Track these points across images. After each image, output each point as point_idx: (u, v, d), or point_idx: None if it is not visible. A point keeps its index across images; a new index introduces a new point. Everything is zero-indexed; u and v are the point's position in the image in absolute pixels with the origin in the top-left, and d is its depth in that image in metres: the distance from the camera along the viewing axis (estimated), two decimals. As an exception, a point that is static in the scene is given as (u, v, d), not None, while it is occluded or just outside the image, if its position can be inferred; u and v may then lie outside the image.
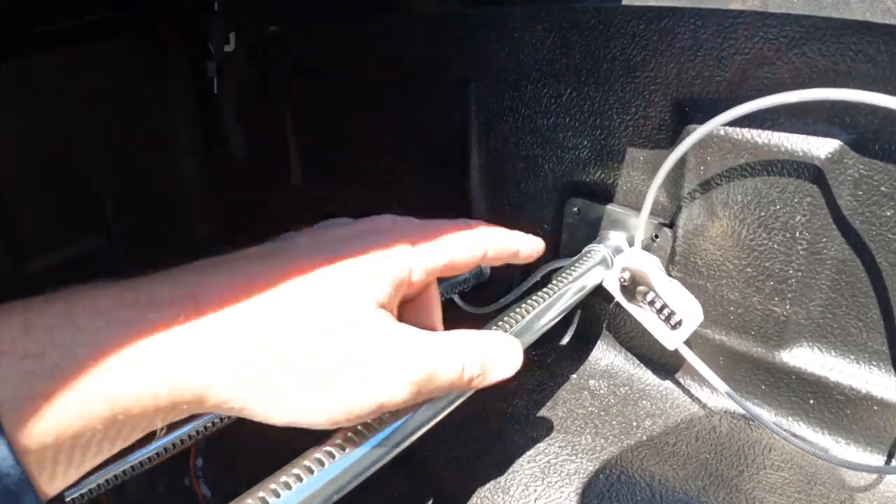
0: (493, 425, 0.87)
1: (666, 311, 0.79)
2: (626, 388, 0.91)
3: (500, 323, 0.66)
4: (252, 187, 1.37)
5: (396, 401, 0.48)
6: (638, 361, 0.94)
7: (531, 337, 0.69)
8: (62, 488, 0.40)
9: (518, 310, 0.69)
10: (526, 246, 0.63)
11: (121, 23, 1.18)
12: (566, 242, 0.93)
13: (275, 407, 0.45)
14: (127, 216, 1.27)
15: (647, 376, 0.92)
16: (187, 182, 1.36)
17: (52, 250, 1.20)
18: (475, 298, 1.03)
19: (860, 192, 0.69)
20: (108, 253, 1.27)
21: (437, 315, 0.58)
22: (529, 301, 0.71)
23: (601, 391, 0.91)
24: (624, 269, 0.81)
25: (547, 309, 0.72)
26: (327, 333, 0.45)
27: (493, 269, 1.01)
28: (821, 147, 0.69)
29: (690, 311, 0.78)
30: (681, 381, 0.90)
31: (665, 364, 0.91)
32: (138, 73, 1.24)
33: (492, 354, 0.55)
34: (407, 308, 0.56)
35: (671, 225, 0.82)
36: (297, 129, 1.25)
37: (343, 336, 0.46)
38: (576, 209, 0.90)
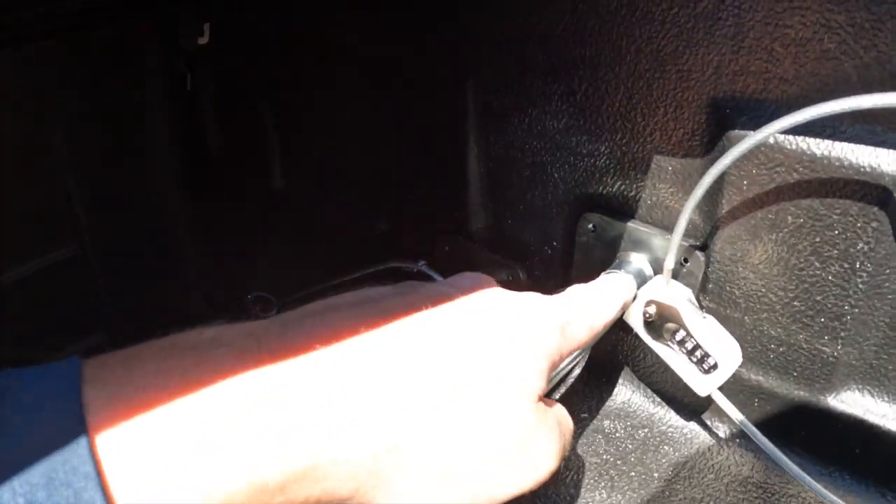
0: None
1: (699, 353, 0.69)
2: (646, 430, 0.82)
3: None
4: (232, 190, 1.31)
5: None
6: (659, 400, 0.83)
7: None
8: None
9: None
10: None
11: (89, 14, 1.10)
12: (579, 264, 0.83)
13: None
14: (101, 222, 1.21)
15: (669, 417, 0.82)
16: (165, 185, 1.30)
17: (20, 261, 1.14)
18: None
19: (936, 218, 0.59)
20: (81, 262, 1.21)
21: None
22: None
23: (618, 434, 0.82)
24: (649, 303, 0.70)
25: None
26: (486, 435, 0.46)
27: None
28: (892, 162, 0.58)
29: (728, 353, 0.68)
30: (708, 423, 0.80)
31: (690, 404, 0.81)
32: (110, 69, 1.17)
33: None
34: None
35: (704, 248, 0.72)
36: (278, 128, 1.18)
37: (502, 439, 0.47)
38: (591, 226, 0.79)
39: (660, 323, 0.70)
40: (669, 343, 0.70)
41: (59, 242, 1.17)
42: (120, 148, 1.21)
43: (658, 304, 0.69)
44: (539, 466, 0.49)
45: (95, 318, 1.23)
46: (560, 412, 0.54)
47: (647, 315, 0.70)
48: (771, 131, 0.57)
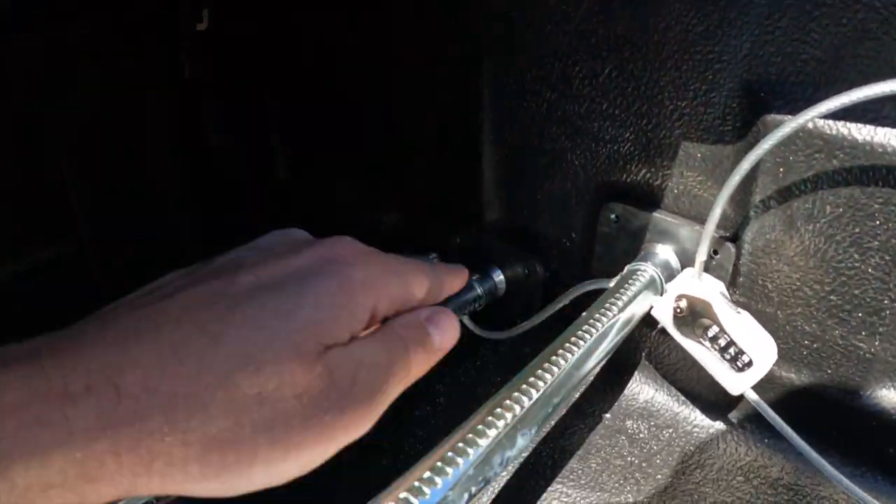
0: (513, 480, 0.75)
1: (732, 350, 0.64)
2: (671, 430, 0.78)
3: (531, 380, 0.54)
4: (234, 182, 1.28)
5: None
6: (683, 398, 0.80)
7: (570, 394, 0.57)
8: None
9: (552, 360, 0.56)
10: (462, 280, 0.63)
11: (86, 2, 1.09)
12: (600, 256, 0.78)
13: (205, 487, 0.41)
14: (99, 217, 1.19)
15: (694, 416, 0.78)
16: (164, 177, 1.28)
17: (16, 257, 1.13)
18: (487, 320, 0.89)
19: (984, 207, 0.55)
20: (79, 258, 1.20)
21: None
22: (571, 341, 0.58)
23: (641, 435, 0.78)
24: (680, 297, 0.66)
25: (591, 350, 0.59)
26: (264, 404, 0.41)
27: (508, 285, 0.88)
28: None
29: (763, 350, 0.64)
30: (734, 421, 0.77)
31: (716, 402, 0.77)
32: (107, 56, 1.15)
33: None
34: None
35: (734, 239, 0.68)
36: (283, 118, 1.14)
37: (281, 402, 0.42)
38: (614, 216, 0.75)
39: (691, 318, 0.66)
40: (701, 339, 0.66)
41: (55, 239, 1.16)
42: (117, 140, 1.19)
43: (689, 299, 0.66)
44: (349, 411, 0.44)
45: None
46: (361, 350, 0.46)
47: (678, 310, 0.66)
48: (811, 115, 0.54)
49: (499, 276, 0.87)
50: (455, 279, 0.60)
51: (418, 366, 0.50)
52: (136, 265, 1.22)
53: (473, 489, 0.46)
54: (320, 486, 0.83)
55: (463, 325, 0.87)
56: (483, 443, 0.48)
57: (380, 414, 0.46)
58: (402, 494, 0.44)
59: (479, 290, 0.84)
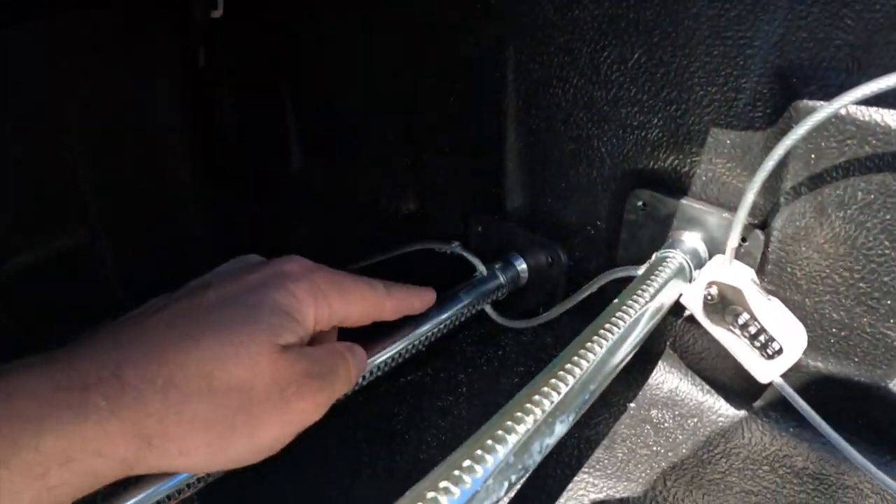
0: (539, 470, 0.73)
1: (762, 338, 0.64)
2: (696, 419, 0.77)
3: (567, 366, 0.53)
4: (247, 172, 1.28)
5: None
6: (708, 388, 0.79)
7: (605, 381, 0.56)
8: None
9: (588, 346, 0.55)
10: (423, 301, 0.71)
11: None
12: (626, 244, 0.78)
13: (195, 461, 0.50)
14: (111, 207, 1.20)
15: (719, 405, 0.78)
16: (178, 168, 1.28)
17: (29, 248, 1.13)
18: (510, 308, 0.88)
19: None
20: (92, 248, 1.20)
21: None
22: (605, 328, 0.58)
23: (666, 424, 0.77)
24: (711, 284, 0.65)
25: (624, 337, 0.59)
26: (232, 391, 0.51)
27: (530, 273, 0.87)
28: None
29: (793, 338, 0.64)
30: (759, 411, 0.76)
31: (741, 391, 0.77)
32: (119, 46, 1.15)
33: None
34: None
35: (764, 226, 0.67)
36: (297, 106, 1.14)
37: (246, 391, 0.51)
38: (641, 203, 0.74)
39: (721, 306, 0.66)
40: (731, 327, 0.66)
41: (68, 228, 1.17)
42: (130, 129, 1.20)
43: (720, 286, 0.65)
44: (294, 411, 0.54)
45: (106, 305, 1.20)
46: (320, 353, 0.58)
47: (709, 297, 0.66)
48: (845, 102, 0.53)
49: (521, 265, 0.87)
50: (413, 299, 0.69)
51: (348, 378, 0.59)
52: (148, 254, 1.24)
53: (513, 478, 0.46)
54: (343, 480, 0.83)
55: (485, 314, 0.87)
56: (521, 430, 0.47)
57: (328, 406, 0.56)
58: (443, 483, 0.43)
59: (501, 279, 0.84)
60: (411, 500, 0.42)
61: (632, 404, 0.79)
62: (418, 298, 0.70)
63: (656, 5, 0.66)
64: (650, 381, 0.81)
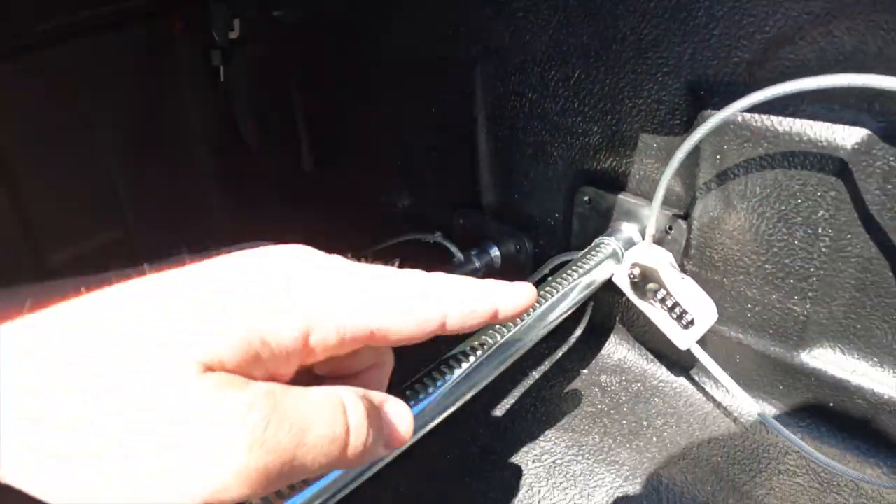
0: (499, 422, 0.83)
1: (678, 310, 0.74)
2: (639, 384, 0.87)
3: (497, 327, 0.62)
4: (266, 174, 1.34)
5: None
6: (651, 357, 0.89)
7: (539, 333, 0.65)
8: None
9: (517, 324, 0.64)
10: (509, 302, 0.45)
11: (126, 14, 1.15)
12: (577, 233, 0.88)
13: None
14: (143, 206, 1.24)
15: (660, 372, 0.88)
16: (202, 171, 1.34)
17: (71, 244, 1.18)
18: None
19: (889, 186, 0.63)
20: (126, 244, 1.25)
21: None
22: (540, 297, 0.68)
23: (612, 387, 0.87)
24: (634, 265, 0.76)
25: (555, 305, 0.68)
26: (135, 415, 0.33)
27: (503, 258, 0.98)
28: (847, 136, 0.63)
29: (704, 311, 0.74)
30: (696, 378, 0.86)
31: (679, 361, 0.87)
32: (148, 63, 1.21)
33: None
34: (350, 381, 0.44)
35: (686, 216, 0.77)
36: (307, 116, 1.22)
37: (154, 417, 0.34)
38: (586, 198, 0.85)
39: (643, 283, 0.75)
40: (652, 301, 0.75)
41: (105, 226, 1.21)
42: (159, 138, 1.24)
43: (642, 267, 0.75)
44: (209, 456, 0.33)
45: None
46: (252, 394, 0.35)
47: (632, 276, 0.76)
48: (733, 110, 0.63)
49: (495, 252, 0.98)
50: (507, 296, 0.46)
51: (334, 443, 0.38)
52: (177, 249, 1.28)
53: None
54: None
55: None
56: (457, 371, 0.55)
57: (276, 480, 0.35)
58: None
59: (476, 264, 0.95)
60: None
61: (584, 370, 0.89)
62: (500, 302, 0.44)
63: (590, 32, 0.77)
64: (602, 351, 0.91)
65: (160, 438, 0.33)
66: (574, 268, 0.74)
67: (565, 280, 0.71)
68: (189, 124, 1.28)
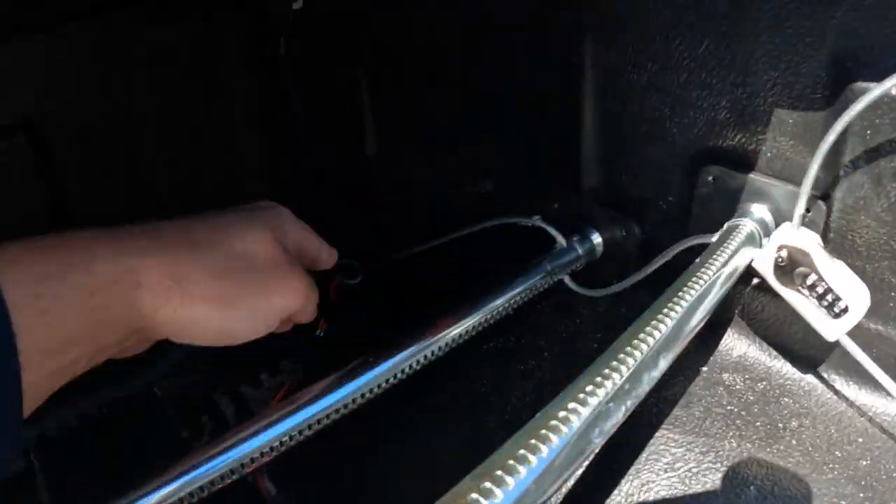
0: (621, 426, 0.83)
1: (829, 297, 0.75)
2: (765, 383, 0.88)
3: (648, 328, 0.64)
4: (321, 157, 1.36)
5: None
6: (775, 353, 0.90)
7: (683, 341, 0.66)
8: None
9: (667, 309, 0.66)
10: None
11: None
12: (697, 217, 0.90)
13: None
14: (186, 200, 1.26)
15: (786, 370, 0.89)
16: (250, 160, 1.35)
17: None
18: (588, 279, 1.00)
19: None
20: None
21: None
22: (679, 295, 0.69)
23: (737, 386, 0.88)
24: (781, 248, 0.77)
25: (699, 302, 0.69)
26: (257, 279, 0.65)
27: (605, 246, 0.99)
28: None
29: (857, 297, 0.74)
30: (824, 375, 0.87)
31: (807, 356, 0.87)
32: (199, 34, 1.22)
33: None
34: None
35: (826, 197, 0.78)
36: (374, 92, 1.23)
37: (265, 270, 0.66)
38: (711, 178, 0.86)
39: (790, 268, 0.77)
40: (799, 288, 0.76)
41: (145, 220, 1.17)
42: (203, 124, 1.26)
43: (789, 249, 0.76)
44: (286, 291, 0.67)
45: None
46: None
47: (779, 259, 0.77)
48: (894, 83, 0.64)
49: (597, 238, 0.99)
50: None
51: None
52: None
53: (597, 433, 0.57)
54: (430, 439, 0.93)
55: (562, 287, 0.98)
56: (602, 393, 0.57)
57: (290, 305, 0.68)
58: (570, 405, 0.54)
59: (579, 251, 0.96)
60: (497, 461, 0.50)
61: (704, 368, 0.89)
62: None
63: (720, 0, 0.78)
64: (720, 347, 0.92)
65: (271, 279, 0.66)
66: (714, 256, 0.75)
67: (706, 271, 0.73)
68: (238, 110, 1.30)
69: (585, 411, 0.56)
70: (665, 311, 0.66)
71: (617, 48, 0.89)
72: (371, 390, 0.75)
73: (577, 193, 1.01)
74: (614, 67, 0.90)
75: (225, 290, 0.61)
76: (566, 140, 0.98)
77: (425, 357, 0.79)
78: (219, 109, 1.27)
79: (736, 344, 0.92)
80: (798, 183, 0.75)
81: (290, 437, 0.71)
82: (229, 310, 0.62)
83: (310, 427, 0.72)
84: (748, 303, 0.91)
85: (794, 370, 0.88)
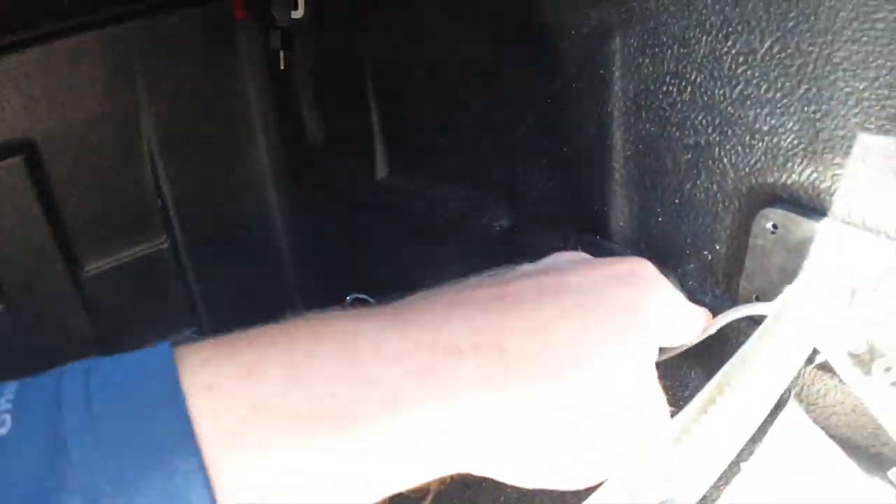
0: None
1: None
2: (823, 483, 0.68)
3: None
4: (332, 179, 1.26)
5: None
6: (836, 447, 0.69)
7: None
8: None
9: (699, 421, 0.48)
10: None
11: None
12: (750, 274, 0.68)
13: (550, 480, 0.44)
14: (192, 213, 1.24)
15: (849, 468, 0.68)
16: (258, 174, 1.31)
17: (110, 253, 1.19)
18: None
19: None
20: (170, 255, 1.25)
21: None
22: (717, 402, 0.49)
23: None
24: (857, 332, 0.55)
25: (744, 409, 0.50)
26: (621, 411, 0.45)
27: None
28: None
29: None
30: (892, 478, 0.66)
31: (878, 455, 0.67)
32: (201, 50, 1.18)
33: None
34: None
35: None
36: (383, 112, 1.11)
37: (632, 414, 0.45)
38: (771, 225, 0.64)
39: (870, 357, 0.55)
40: (880, 383, 0.55)
41: (148, 235, 1.21)
42: (212, 134, 1.22)
43: (868, 332, 0.55)
44: (656, 415, 0.47)
45: (185, 314, 1.26)
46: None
47: (855, 352, 0.56)
48: None
49: (625, 292, 0.77)
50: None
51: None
52: (228, 261, 1.28)
53: None
54: None
55: None
56: None
57: None
58: None
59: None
60: None
61: (744, 464, 0.71)
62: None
63: None
64: (766, 437, 0.71)
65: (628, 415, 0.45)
66: (772, 335, 0.53)
67: (761, 357, 0.51)
68: (246, 120, 1.25)
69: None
70: (702, 418, 0.48)
71: (652, 54, 0.69)
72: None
73: (605, 236, 0.82)
74: (649, 79, 0.70)
75: (570, 443, 0.44)
76: (592, 171, 0.80)
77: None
78: (228, 120, 1.24)
79: (790, 433, 0.71)
80: (890, 236, 0.55)
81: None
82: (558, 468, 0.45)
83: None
84: (809, 384, 0.69)
85: (861, 472, 0.67)
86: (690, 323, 0.54)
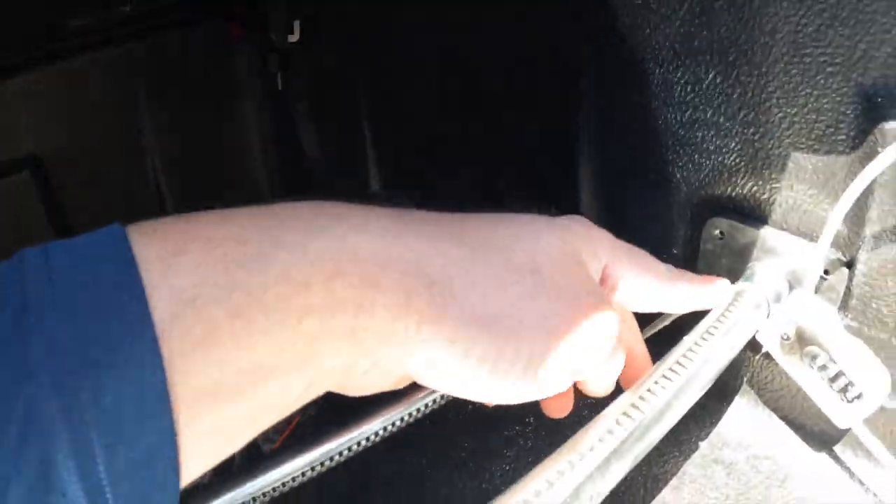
0: None
1: (842, 381, 0.59)
2: (770, 461, 0.72)
3: (631, 407, 0.48)
4: (328, 194, 1.24)
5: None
6: (785, 428, 0.74)
7: (671, 420, 0.50)
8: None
9: (655, 384, 0.50)
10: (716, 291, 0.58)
11: (182, 14, 1.14)
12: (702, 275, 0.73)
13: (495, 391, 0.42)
14: None
15: (796, 448, 0.72)
16: (258, 190, 1.30)
17: None
18: None
19: None
20: None
21: None
22: (670, 369, 0.52)
23: (739, 466, 0.73)
24: (788, 322, 0.61)
25: (693, 379, 0.53)
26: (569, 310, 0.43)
27: None
28: None
29: (875, 383, 0.58)
30: (842, 457, 0.71)
31: (821, 435, 0.72)
32: (201, 71, 1.18)
33: None
34: None
35: (848, 258, 0.62)
36: (376, 131, 1.14)
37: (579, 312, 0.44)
38: (718, 232, 0.70)
39: (798, 344, 0.61)
40: (810, 367, 0.61)
41: None
42: (212, 152, 1.21)
43: (799, 324, 0.61)
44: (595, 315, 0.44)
45: None
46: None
47: (785, 336, 0.62)
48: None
49: (594, 296, 0.84)
50: (705, 289, 0.59)
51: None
52: None
53: None
54: (437, 489, 0.84)
55: None
56: (578, 471, 0.44)
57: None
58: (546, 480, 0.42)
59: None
60: None
61: (703, 443, 0.75)
62: (711, 288, 0.57)
63: (730, 22, 0.63)
64: (725, 418, 0.77)
65: (560, 297, 0.43)
66: (713, 325, 0.58)
67: (703, 342, 0.56)
68: (245, 137, 1.24)
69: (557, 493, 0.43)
70: (646, 394, 0.50)
71: (615, 86, 0.75)
72: (377, 433, 0.61)
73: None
74: (613, 105, 0.76)
75: (491, 314, 0.41)
76: (563, 187, 0.85)
77: (434, 401, 0.64)
78: (227, 137, 1.23)
79: (742, 416, 0.76)
80: (817, 240, 0.59)
81: (293, 479, 0.59)
82: (492, 359, 0.41)
83: (312, 469, 0.59)
84: (758, 371, 0.75)
85: (806, 449, 0.72)
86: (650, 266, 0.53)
